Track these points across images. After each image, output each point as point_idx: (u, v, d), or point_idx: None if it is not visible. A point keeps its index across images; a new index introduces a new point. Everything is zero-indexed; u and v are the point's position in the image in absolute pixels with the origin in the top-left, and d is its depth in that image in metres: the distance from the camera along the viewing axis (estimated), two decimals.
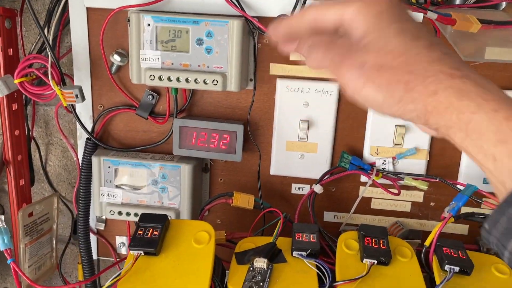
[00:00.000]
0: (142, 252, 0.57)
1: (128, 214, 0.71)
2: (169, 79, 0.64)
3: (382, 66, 0.32)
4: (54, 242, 0.82)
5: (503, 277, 0.58)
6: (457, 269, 0.57)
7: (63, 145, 0.88)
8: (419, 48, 0.32)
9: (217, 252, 0.63)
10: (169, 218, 0.61)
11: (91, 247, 0.76)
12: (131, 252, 0.57)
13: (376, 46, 0.33)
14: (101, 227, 0.78)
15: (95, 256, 0.79)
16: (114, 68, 0.70)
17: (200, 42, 0.63)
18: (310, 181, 0.72)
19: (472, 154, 0.30)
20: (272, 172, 0.73)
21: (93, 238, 0.79)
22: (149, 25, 0.63)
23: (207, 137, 0.69)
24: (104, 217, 0.78)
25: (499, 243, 0.28)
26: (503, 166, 0.28)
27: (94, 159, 0.71)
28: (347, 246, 0.61)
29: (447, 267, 0.57)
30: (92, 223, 0.78)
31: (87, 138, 0.72)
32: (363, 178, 0.71)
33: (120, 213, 0.71)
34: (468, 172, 0.68)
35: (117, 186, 0.71)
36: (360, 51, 0.33)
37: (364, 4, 0.33)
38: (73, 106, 0.71)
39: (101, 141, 0.73)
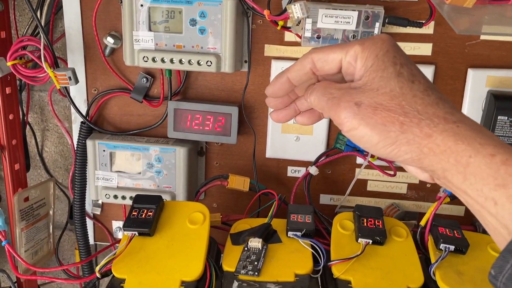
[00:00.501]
0: (136, 233, 0.56)
1: (123, 197, 0.71)
2: (162, 60, 0.63)
3: (378, 106, 0.33)
4: (51, 227, 0.82)
5: None
6: (452, 248, 0.57)
7: (59, 131, 0.88)
8: (415, 91, 0.33)
9: (212, 235, 0.63)
10: (164, 199, 0.61)
11: (87, 231, 0.76)
12: (125, 232, 0.57)
13: (373, 87, 0.34)
14: (98, 211, 0.78)
15: (92, 241, 0.79)
16: (107, 51, 0.69)
17: (193, 22, 0.62)
18: (306, 164, 0.72)
19: (472, 196, 0.30)
20: (267, 155, 0.73)
21: (89, 223, 0.79)
22: (142, 5, 0.62)
23: (202, 120, 0.68)
24: (100, 202, 0.78)
25: None
26: (504, 209, 0.28)
27: (89, 143, 0.70)
28: (342, 226, 0.61)
29: (442, 246, 0.56)
30: (89, 208, 0.78)
31: (82, 122, 0.72)
32: (359, 160, 0.71)
33: (115, 196, 0.71)
34: None
35: (112, 170, 0.71)
36: (357, 91, 0.34)
37: (364, 47, 0.35)
38: (67, 90, 0.71)
39: (96, 125, 0.73)
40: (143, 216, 0.58)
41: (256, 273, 0.52)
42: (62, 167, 0.90)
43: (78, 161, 0.72)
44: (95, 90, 0.72)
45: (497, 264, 0.29)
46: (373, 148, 0.34)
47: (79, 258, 0.78)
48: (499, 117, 0.60)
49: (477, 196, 0.30)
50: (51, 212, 0.81)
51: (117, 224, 0.79)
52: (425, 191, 0.72)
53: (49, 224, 0.81)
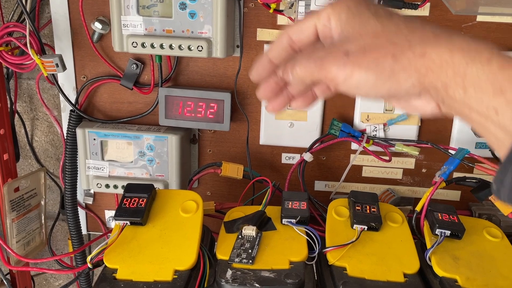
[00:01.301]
0: (128, 222, 0.55)
1: (115, 187, 0.70)
2: (152, 46, 0.61)
3: (365, 48, 0.32)
4: (42, 217, 0.81)
5: (495, 240, 0.58)
6: (448, 232, 0.56)
7: (49, 120, 0.86)
8: (397, 21, 0.33)
9: (206, 223, 0.62)
10: (156, 188, 0.60)
11: (79, 221, 0.75)
12: (117, 222, 0.56)
13: (355, 34, 0.33)
14: (90, 201, 0.77)
15: (84, 231, 0.78)
16: (96, 37, 0.68)
17: (183, 6, 0.61)
18: (300, 150, 0.71)
19: (475, 109, 0.29)
20: (261, 141, 0.72)
21: (82, 213, 0.78)
22: None
23: (193, 107, 0.67)
24: (92, 191, 0.77)
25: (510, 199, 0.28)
26: (505, 117, 0.28)
27: (79, 131, 0.69)
28: (337, 212, 0.60)
29: (438, 231, 0.56)
30: (81, 197, 0.77)
31: (71, 110, 0.70)
32: (354, 146, 0.70)
33: (107, 186, 0.70)
34: (460, 137, 0.67)
35: (103, 159, 0.70)
36: (341, 43, 0.34)
37: (334, 5, 0.35)
38: (55, 78, 0.69)
39: (85, 113, 0.71)
40: (134, 205, 0.56)
41: (250, 261, 0.52)
42: (53, 156, 0.89)
43: (68, 150, 0.70)
44: (84, 77, 0.71)
45: (498, 177, 0.28)
46: (373, 90, 0.33)
47: (72, 248, 0.77)
48: None
49: (479, 107, 0.29)
50: (42, 202, 0.80)
51: (109, 214, 0.78)
52: (420, 176, 0.71)
53: (41, 215, 0.80)
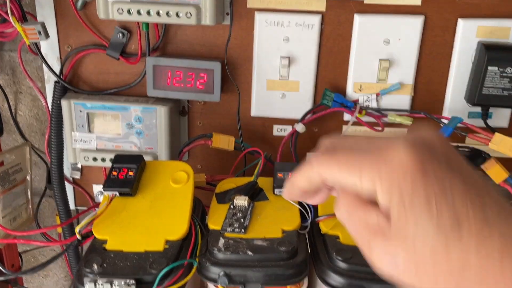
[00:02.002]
0: (117, 193, 0.54)
1: (103, 160, 0.68)
2: (138, 12, 0.59)
3: (418, 264, 0.26)
4: (29, 193, 0.79)
5: None
6: None
7: (33, 94, 0.83)
8: (464, 245, 0.24)
9: (197, 196, 0.61)
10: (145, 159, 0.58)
11: (66, 195, 0.73)
12: (106, 193, 0.54)
13: (407, 235, 0.25)
14: (77, 175, 0.75)
15: (72, 206, 0.77)
16: (79, 4, 0.65)
17: None
18: (292, 122, 0.69)
19: None
20: (253, 113, 0.70)
21: (69, 189, 0.77)
22: None
23: (182, 77, 0.65)
24: (79, 166, 0.75)
25: None
26: None
27: (64, 103, 0.67)
28: None
29: None
30: (68, 172, 0.75)
31: (56, 81, 0.68)
32: (346, 117, 0.69)
33: (95, 159, 0.69)
34: (453, 107, 0.67)
35: (90, 131, 0.68)
36: (388, 238, 0.26)
37: (382, 176, 0.26)
38: (38, 47, 0.66)
39: (70, 85, 0.69)
40: (123, 176, 0.55)
41: (243, 230, 0.51)
42: (38, 131, 0.86)
43: (53, 122, 0.68)
44: (68, 47, 0.68)
45: None
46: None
47: (60, 222, 0.76)
48: (489, 68, 0.59)
49: None
50: (28, 178, 0.78)
51: (98, 188, 0.77)
52: None
53: (27, 190, 0.78)
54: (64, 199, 0.73)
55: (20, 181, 0.77)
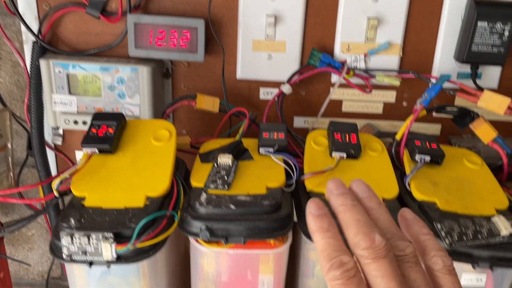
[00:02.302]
0: (96, 150, 0.53)
1: (84, 123, 0.66)
2: None
3: None
4: (10, 161, 0.77)
5: (474, 167, 0.57)
6: (427, 158, 0.55)
7: (13, 59, 0.81)
8: None
9: (181, 159, 0.60)
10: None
11: (48, 162, 0.71)
12: (84, 150, 0.53)
13: None
14: (59, 141, 0.73)
15: (54, 173, 0.75)
16: None
17: None
18: (278, 85, 0.68)
19: None
20: (238, 76, 0.68)
21: (51, 155, 0.75)
22: None
23: (165, 35, 0.63)
24: (61, 131, 0.73)
25: None
26: None
27: (43, 63, 0.64)
28: (316, 142, 0.59)
29: (417, 156, 0.55)
30: (49, 138, 0.73)
31: (34, 41, 0.66)
32: (334, 79, 0.68)
33: (76, 122, 0.67)
34: (442, 67, 0.65)
35: (70, 93, 0.66)
36: None
37: None
38: (15, 6, 0.64)
39: (50, 45, 0.66)
40: (103, 133, 0.53)
41: (226, 187, 0.50)
42: (19, 99, 0.84)
43: (32, 84, 0.66)
44: (47, 5, 0.66)
45: None
46: None
47: (42, 194, 0.74)
48: (479, 24, 0.58)
49: None
50: (9, 145, 0.76)
51: (80, 155, 0.75)
52: (401, 110, 0.69)
53: (8, 157, 0.76)
54: (46, 165, 0.71)
55: (1, 147, 0.74)
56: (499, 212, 0.50)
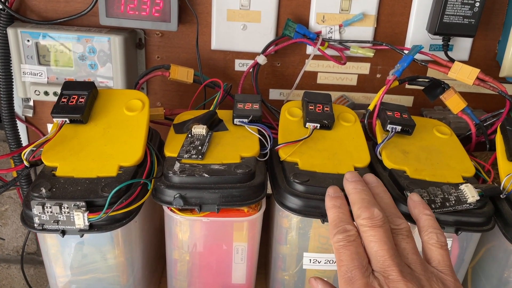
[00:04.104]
0: (67, 120, 0.52)
1: (55, 94, 0.65)
2: None
3: None
4: None
5: (443, 137, 0.58)
6: (399, 128, 0.56)
7: None
8: None
9: (155, 130, 0.60)
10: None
11: (19, 134, 0.70)
12: (55, 120, 0.52)
13: None
14: (30, 113, 0.72)
15: None
16: None
17: None
18: (254, 56, 0.67)
19: None
20: (213, 46, 0.68)
21: (22, 128, 0.73)
22: None
23: (137, 4, 0.61)
24: (31, 103, 0.71)
25: None
26: None
27: (10, 31, 0.62)
28: (290, 113, 0.59)
29: (389, 126, 0.56)
30: (19, 110, 0.72)
31: (0, 9, 0.63)
32: (309, 50, 0.68)
33: (46, 93, 0.65)
34: (415, 39, 0.66)
35: (40, 63, 0.64)
36: None
37: None
38: None
39: (18, 14, 0.64)
40: (73, 102, 0.52)
41: (200, 156, 0.50)
42: None
43: (0, 54, 0.64)
44: None
45: None
46: None
47: (13, 166, 0.73)
48: None
49: None
50: None
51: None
52: (375, 81, 0.70)
53: None
54: (16, 138, 0.70)
55: None
56: (466, 179, 0.51)
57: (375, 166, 0.55)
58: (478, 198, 0.47)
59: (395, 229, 0.39)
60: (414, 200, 0.44)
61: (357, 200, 0.41)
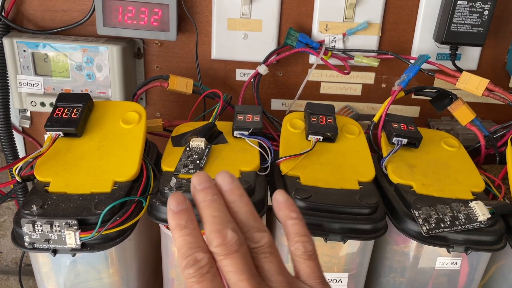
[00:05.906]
0: (61, 133, 0.50)
1: (52, 105, 0.63)
2: None
3: None
4: None
5: (451, 150, 0.56)
6: (405, 141, 0.54)
7: None
8: None
9: (154, 143, 0.58)
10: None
11: (15, 145, 0.68)
12: (48, 133, 0.50)
13: None
14: (26, 124, 0.70)
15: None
16: None
17: None
18: (255, 65, 0.66)
19: None
20: (213, 56, 0.66)
21: (19, 139, 0.71)
22: None
23: (135, 12, 0.60)
24: (28, 114, 0.70)
25: None
26: None
27: (6, 42, 0.61)
28: (292, 125, 0.57)
29: (394, 139, 0.54)
30: (16, 121, 0.70)
31: None
32: (312, 60, 0.66)
33: (42, 104, 0.64)
34: (421, 48, 0.64)
35: (36, 74, 0.63)
36: None
37: None
38: None
39: (14, 23, 0.63)
40: (68, 115, 0.51)
41: (198, 171, 0.48)
42: None
43: None
44: None
45: None
46: None
47: (11, 178, 0.71)
48: (458, 2, 0.56)
49: None
50: None
51: None
52: (380, 91, 0.68)
53: None
54: (13, 149, 0.68)
55: None
56: (475, 195, 0.49)
57: (380, 180, 0.53)
58: (489, 216, 0.45)
59: (255, 247, 0.33)
60: (279, 201, 0.36)
61: (207, 219, 0.33)
